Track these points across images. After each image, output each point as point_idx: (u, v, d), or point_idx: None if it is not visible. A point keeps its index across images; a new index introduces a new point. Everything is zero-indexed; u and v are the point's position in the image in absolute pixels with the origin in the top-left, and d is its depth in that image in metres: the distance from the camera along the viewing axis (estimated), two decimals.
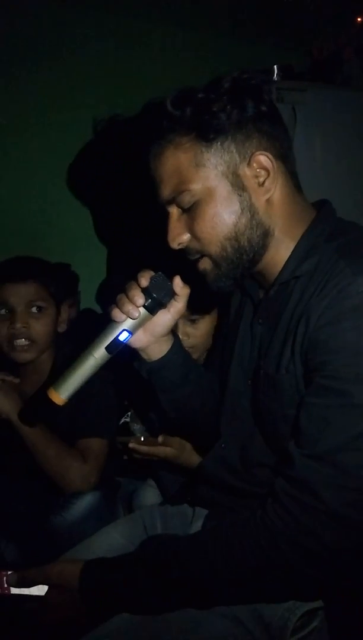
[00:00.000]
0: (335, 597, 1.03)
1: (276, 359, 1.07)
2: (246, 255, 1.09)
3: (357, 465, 0.93)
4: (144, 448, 1.56)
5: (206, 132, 1.05)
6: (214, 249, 1.09)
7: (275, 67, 2.68)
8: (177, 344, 1.25)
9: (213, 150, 1.06)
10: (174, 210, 1.11)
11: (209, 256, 1.10)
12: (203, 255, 1.11)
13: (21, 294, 1.68)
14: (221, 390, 1.27)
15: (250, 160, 1.07)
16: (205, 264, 1.12)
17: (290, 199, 1.11)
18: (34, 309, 1.69)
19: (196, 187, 1.07)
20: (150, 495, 1.91)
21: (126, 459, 1.65)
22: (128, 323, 1.12)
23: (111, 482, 1.83)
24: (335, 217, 1.14)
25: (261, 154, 1.07)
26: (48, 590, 1.09)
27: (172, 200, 1.10)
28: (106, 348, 1.11)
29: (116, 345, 1.12)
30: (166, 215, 1.13)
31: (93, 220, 2.85)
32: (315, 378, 0.98)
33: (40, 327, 1.70)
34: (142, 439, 1.56)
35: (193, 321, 1.67)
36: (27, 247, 1.97)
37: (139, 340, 1.18)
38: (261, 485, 1.10)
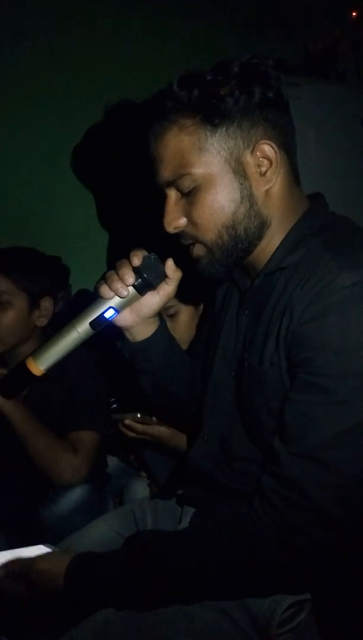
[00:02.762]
0: (322, 590, 1.03)
1: (260, 350, 1.05)
2: (241, 244, 1.07)
3: (342, 462, 0.92)
4: (139, 426, 1.55)
5: (213, 116, 1.02)
6: (210, 235, 1.07)
7: None
8: (163, 326, 1.23)
9: (217, 135, 1.03)
10: (172, 194, 1.08)
11: (204, 243, 1.08)
12: (197, 241, 1.09)
13: None
14: (203, 381, 1.25)
15: (253, 149, 1.04)
16: (199, 250, 1.10)
17: (289, 190, 1.09)
18: None
19: (198, 171, 1.04)
20: (141, 489, 1.91)
21: (114, 437, 1.63)
22: (115, 301, 1.10)
23: (101, 475, 1.83)
24: (327, 211, 1.13)
25: (266, 143, 1.04)
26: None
27: (171, 183, 1.07)
28: (91, 324, 1.09)
29: (100, 321, 1.09)
30: (163, 198, 1.10)
31: (86, 214, 2.84)
32: (300, 374, 0.96)
33: (2, 321, 1.67)
34: (138, 415, 1.54)
35: (171, 316, 1.62)
36: (19, 240, 1.95)
37: (125, 319, 1.16)
38: (243, 479, 1.09)
